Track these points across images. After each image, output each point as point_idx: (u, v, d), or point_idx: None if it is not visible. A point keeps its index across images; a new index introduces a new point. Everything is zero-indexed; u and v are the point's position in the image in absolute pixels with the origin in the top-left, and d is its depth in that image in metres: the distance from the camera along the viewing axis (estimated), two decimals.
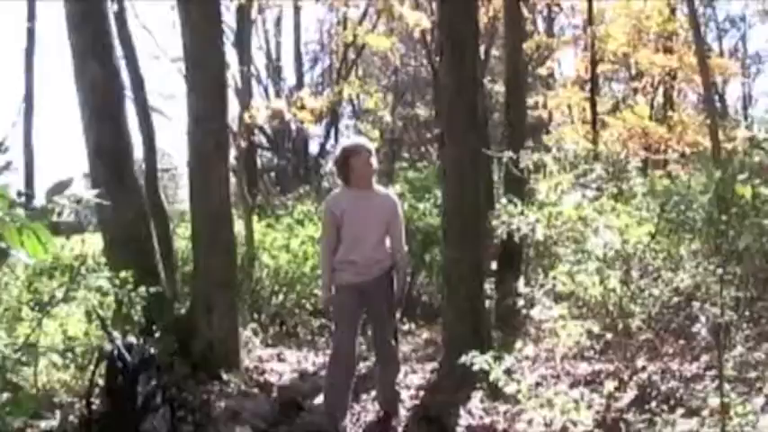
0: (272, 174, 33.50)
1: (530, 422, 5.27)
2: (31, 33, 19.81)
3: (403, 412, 6.27)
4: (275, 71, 32.11)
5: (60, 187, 2.93)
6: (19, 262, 5.32)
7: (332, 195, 6.20)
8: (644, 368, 6.06)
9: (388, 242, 6.01)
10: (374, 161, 5.98)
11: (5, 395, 3.80)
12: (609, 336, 6.61)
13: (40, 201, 2.90)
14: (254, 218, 11.85)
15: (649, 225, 6.63)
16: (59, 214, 2.95)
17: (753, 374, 5.11)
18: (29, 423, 4.34)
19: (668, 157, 19.20)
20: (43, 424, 4.56)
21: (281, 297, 10.56)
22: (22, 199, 2.91)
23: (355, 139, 6.08)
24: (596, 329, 6.19)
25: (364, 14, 22.68)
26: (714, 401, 4.77)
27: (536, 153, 7.56)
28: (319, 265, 6.81)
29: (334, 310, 6.01)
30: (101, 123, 7.23)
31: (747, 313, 6.32)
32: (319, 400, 6.49)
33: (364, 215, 5.91)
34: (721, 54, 32.22)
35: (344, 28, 22.97)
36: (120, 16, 9.67)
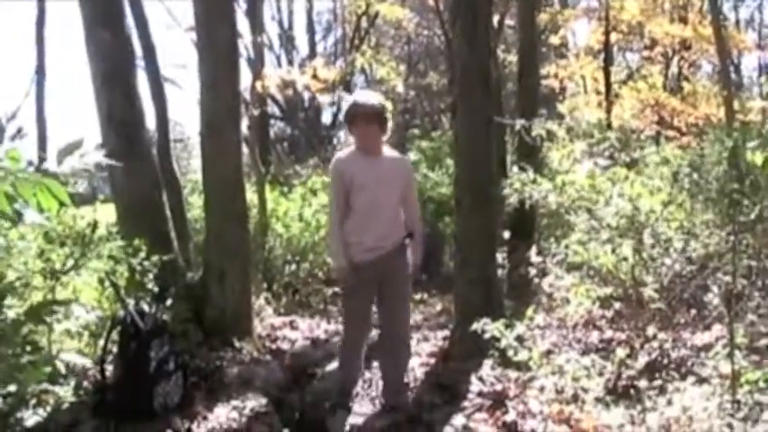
0: (285, 143, 33.51)
1: (541, 389, 5.29)
2: (41, 3, 19.80)
3: (415, 378, 6.29)
4: (288, 41, 32.02)
5: (71, 148, 2.94)
6: (32, 230, 5.37)
7: (340, 155, 5.58)
8: (655, 337, 6.07)
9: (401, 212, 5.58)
10: (378, 129, 5.44)
11: (25, 358, 3.84)
12: (620, 305, 6.61)
13: (52, 165, 2.91)
14: (267, 187, 11.86)
15: (662, 194, 6.62)
16: (74, 183, 2.97)
17: (763, 343, 5.11)
18: (43, 389, 4.37)
19: (681, 128, 19.09)
20: (58, 389, 4.59)
21: (293, 266, 10.60)
22: (31, 168, 2.92)
23: (362, 96, 5.51)
24: (608, 292, 6.18)
25: None
26: (725, 369, 4.78)
27: (549, 122, 7.55)
28: (328, 235, 6.02)
29: (346, 288, 5.61)
30: (112, 92, 7.22)
31: (760, 283, 6.31)
32: (331, 367, 6.52)
33: (376, 180, 5.37)
34: (738, 24, 31.95)
35: None
36: None
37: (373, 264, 5.39)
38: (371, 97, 5.55)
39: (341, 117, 28.50)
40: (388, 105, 5.53)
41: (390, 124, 5.61)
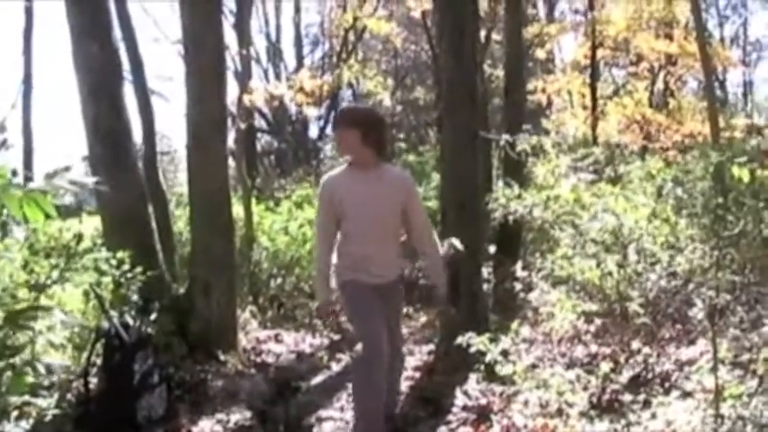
0: (272, 157, 33.47)
1: (525, 403, 5.29)
2: (29, 14, 19.80)
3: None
4: (275, 54, 32.05)
5: (59, 173, 2.95)
6: (17, 241, 5.35)
7: (330, 175, 5.00)
8: (640, 351, 6.08)
9: (402, 237, 5.04)
10: (360, 135, 4.75)
11: (7, 373, 3.82)
12: (606, 319, 6.62)
13: (38, 183, 2.91)
14: (253, 200, 11.86)
15: (646, 209, 6.64)
16: (57, 195, 2.96)
17: (747, 357, 5.13)
18: (26, 401, 4.35)
19: (667, 144, 19.18)
20: (41, 401, 4.56)
21: (279, 280, 10.59)
22: (18, 179, 2.92)
23: (348, 108, 5.31)
24: (594, 308, 6.19)
25: None
26: (709, 384, 4.79)
27: (534, 137, 7.58)
28: (314, 259, 5.21)
29: (347, 302, 4.92)
30: (99, 104, 7.22)
31: (744, 298, 6.34)
32: (316, 380, 6.51)
33: (370, 201, 4.79)
34: (722, 41, 32.13)
35: (345, 11, 22.95)
36: None
37: (374, 287, 4.85)
38: (358, 106, 5.27)
39: (328, 131, 28.59)
40: (381, 117, 5.10)
41: (382, 138, 4.98)
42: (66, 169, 2.97)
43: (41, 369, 4.04)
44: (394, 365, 5.11)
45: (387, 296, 4.93)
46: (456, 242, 5.43)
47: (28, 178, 2.97)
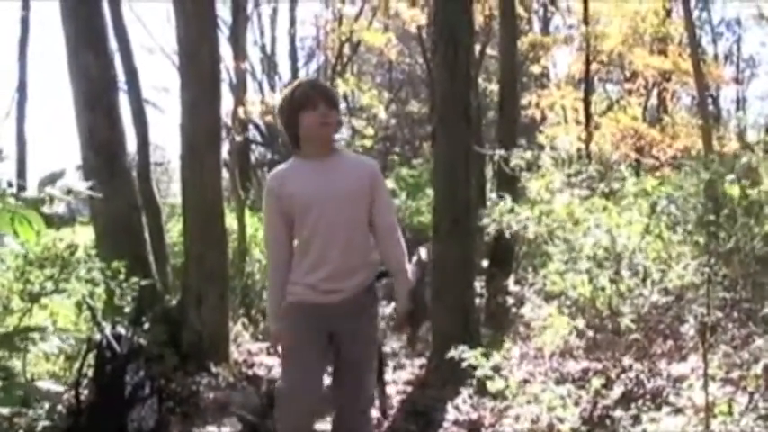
0: (266, 168, 33.46)
1: (516, 418, 5.29)
2: (24, 23, 19.81)
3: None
4: (270, 66, 32.06)
5: (52, 178, 2.95)
6: (10, 252, 5.34)
7: (276, 172, 4.04)
8: (631, 367, 6.09)
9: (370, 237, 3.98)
10: (335, 114, 3.89)
11: None
12: (597, 335, 6.63)
13: (32, 191, 2.91)
14: (247, 212, 11.86)
15: (639, 225, 6.66)
16: (51, 202, 2.96)
17: (737, 374, 5.14)
18: (16, 412, 4.34)
19: (661, 160, 19.24)
20: (31, 413, 4.55)
21: None
22: (12, 189, 2.92)
23: (309, 79, 3.96)
24: (581, 325, 6.20)
25: (360, 11, 22.66)
26: (699, 400, 4.80)
27: (528, 151, 7.60)
28: (268, 281, 4.22)
29: (284, 345, 3.93)
30: (93, 114, 7.24)
31: (735, 314, 6.35)
32: None
33: (327, 195, 3.80)
34: (716, 58, 32.25)
35: (340, 24, 22.99)
36: (115, 7, 9.65)
37: (323, 309, 3.85)
38: (318, 82, 4.32)
39: None
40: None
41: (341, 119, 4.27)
42: (60, 174, 2.97)
43: (34, 394, 4.03)
44: None
45: (343, 321, 3.87)
46: (423, 252, 5.16)
47: (21, 188, 2.97)
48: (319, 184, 3.82)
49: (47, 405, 5.01)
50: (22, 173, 19.08)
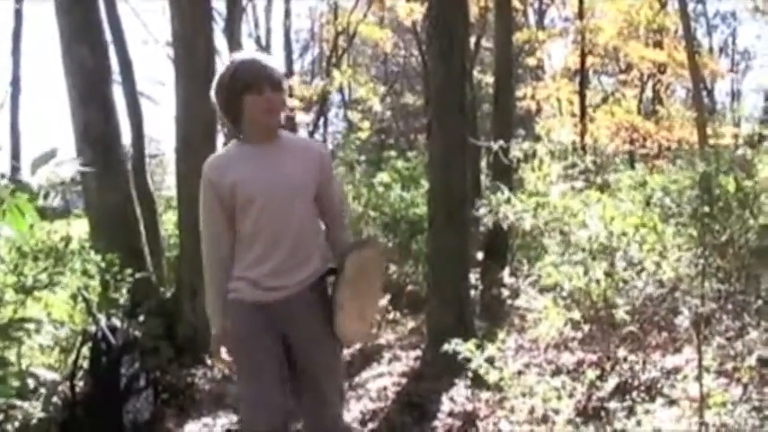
0: None
1: (511, 410, 5.30)
2: (18, 15, 19.76)
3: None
4: None
5: (45, 158, 2.95)
6: (5, 243, 5.34)
7: (213, 159, 3.63)
8: (626, 359, 6.10)
9: (321, 226, 3.62)
10: (281, 97, 3.47)
11: None
12: (592, 326, 6.65)
13: (26, 176, 2.92)
14: None
15: (634, 217, 6.66)
16: (45, 197, 2.96)
17: (732, 365, 5.16)
18: (11, 404, 4.34)
19: (655, 152, 19.29)
20: (26, 404, 4.56)
21: None
22: (5, 181, 2.93)
23: (251, 56, 3.58)
24: (577, 316, 6.21)
25: (357, 3, 22.64)
26: (694, 391, 4.82)
27: (527, 143, 7.61)
28: (207, 280, 3.64)
29: (230, 349, 3.49)
30: (88, 106, 7.23)
31: (730, 306, 6.37)
32: None
33: (270, 186, 3.40)
34: (711, 50, 32.31)
35: (336, 16, 22.95)
36: (110, 0, 9.63)
37: (265, 308, 3.43)
38: (264, 58, 3.58)
39: (317, 135, 28.56)
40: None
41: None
42: (52, 153, 2.97)
43: (31, 382, 4.04)
44: None
45: (291, 321, 3.46)
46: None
47: (15, 168, 2.98)
48: (263, 172, 3.42)
49: (42, 397, 5.02)
50: (15, 169, 19.04)
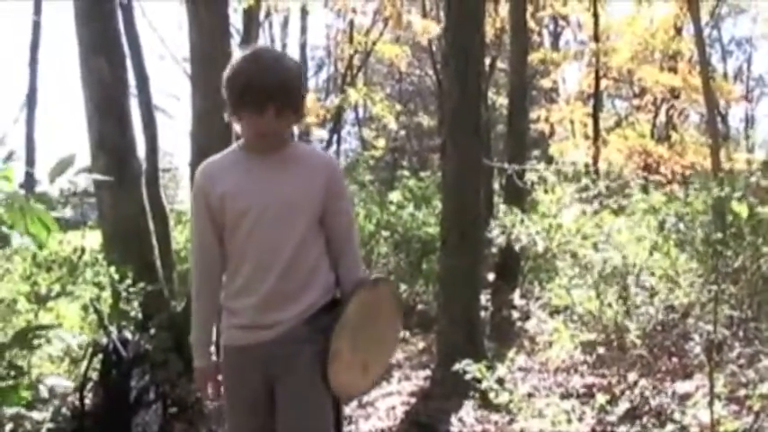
0: None
1: None
2: (36, 27, 19.86)
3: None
4: None
5: (63, 165, 2.95)
6: (20, 249, 5.36)
7: (207, 164, 3.11)
8: (636, 384, 6.08)
9: (317, 256, 3.02)
10: (289, 115, 2.95)
11: (8, 382, 3.82)
12: (603, 350, 6.63)
13: (43, 186, 2.93)
14: None
15: (647, 242, 6.66)
16: (64, 206, 2.98)
17: (743, 393, 5.13)
18: (21, 414, 4.35)
19: (669, 177, 19.27)
20: (35, 415, 4.56)
21: None
22: (22, 191, 2.94)
23: (260, 59, 3.07)
24: (592, 337, 6.19)
25: (373, 22, 22.72)
26: (705, 418, 4.79)
27: (542, 163, 7.63)
28: (193, 298, 3.17)
29: (223, 384, 3.15)
30: (104, 119, 7.25)
31: (742, 333, 6.35)
32: None
33: (263, 204, 2.92)
34: (726, 76, 32.31)
35: (352, 35, 23.03)
36: (128, 14, 9.69)
37: (252, 352, 2.99)
38: (279, 58, 3.11)
39: (330, 152, 28.60)
40: (299, 70, 3.09)
41: (303, 101, 3.11)
42: (70, 160, 2.97)
43: (44, 391, 4.04)
44: None
45: (279, 364, 2.94)
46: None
47: (30, 175, 2.99)
48: (257, 184, 2.95)
49: (52, 408, 5.02)
50: (30, 176, 19.11)
